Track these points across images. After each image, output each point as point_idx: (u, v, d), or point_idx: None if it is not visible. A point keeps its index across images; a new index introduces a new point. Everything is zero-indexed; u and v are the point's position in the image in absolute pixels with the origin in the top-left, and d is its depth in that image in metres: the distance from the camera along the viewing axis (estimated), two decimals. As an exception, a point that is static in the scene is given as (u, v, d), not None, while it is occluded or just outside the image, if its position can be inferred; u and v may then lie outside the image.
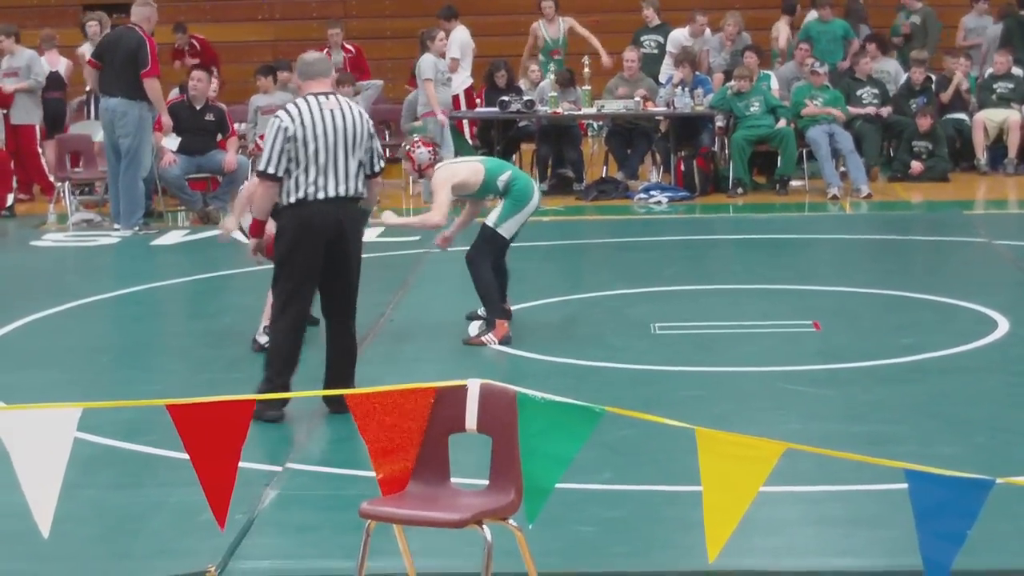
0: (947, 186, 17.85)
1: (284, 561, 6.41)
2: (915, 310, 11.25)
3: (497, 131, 18.35)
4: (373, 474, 5.33)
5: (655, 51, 19.38)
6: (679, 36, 19.29)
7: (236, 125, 17.10)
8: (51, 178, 17.56)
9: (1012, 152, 18.55)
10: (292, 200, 8.26)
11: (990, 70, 19.28)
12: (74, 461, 4.89)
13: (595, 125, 20.10)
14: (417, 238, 14.06)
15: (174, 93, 17.84)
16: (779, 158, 17.63)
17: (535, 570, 5.39)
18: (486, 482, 5.34)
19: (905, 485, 4.57)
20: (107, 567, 6.47)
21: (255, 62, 19.76)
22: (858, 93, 18.46)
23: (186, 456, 4.97)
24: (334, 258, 8.34)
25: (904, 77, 19.17)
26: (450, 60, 18.02)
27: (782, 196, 17.41)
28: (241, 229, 9.99)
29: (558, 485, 5.09)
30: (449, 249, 10.93)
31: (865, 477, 6.95)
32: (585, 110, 17.75)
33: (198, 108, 16.56)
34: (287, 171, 8.22)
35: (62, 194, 16.94)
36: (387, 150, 18.77)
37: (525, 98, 17.68)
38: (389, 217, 10.66)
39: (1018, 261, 13.17)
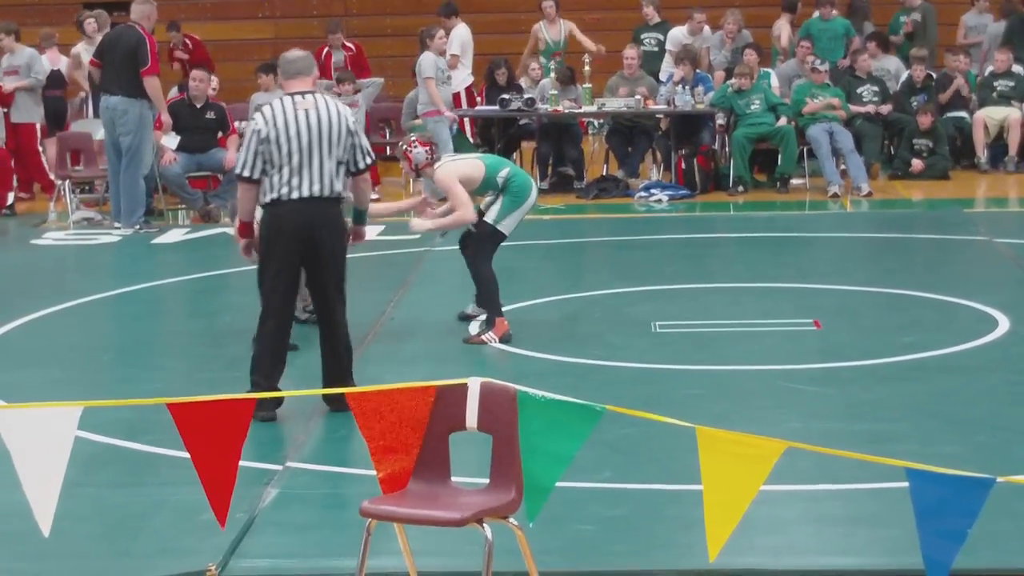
0: (947, 184, 17.85)
1: (285, 560, 6.41)
2: (916, 308, 11.24)
3: (498, 129, 18.35)
4: (374, 473, 5.33)
5: (655, 49, 19.35)
6: (679, 34, 19.26)
7: (236, 123, 17.08)
8: (52, 176, 17.53)
9: (1013, 150, 18.55)
10: (267, 200, 8.31)
11: (991, 68, 19.28)
12: (75, 460, 4.89)
13: (596, 123, 20.08)
14: (416, 237, 14.03)
15: (174, 92, 17.82)
16: (780, 156, 17.62)
17: (536, 569, 5.39)
18: (486, 481, 5.34)
19: (906, 484, 4.56)
20: (108, 566, 6.46)
21: (256, 60, 19.72)
22: (858, 91, 18.44)
23: (186, 455, 4.97)
24: (310, 257, 8.38)
25: (905, 75, 19.18)
26: (450, 56, 17.97)
27: (783, 194, 17.41)
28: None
29: (558, 484, 5.09)
30: (446, 248, 10.90)
31: (866, 476, 6.93)
32: (586, 108, 17.73)
33: (198, 106, 16.57)
34: (263, 172, 8.26)
35: (63, 192, 16.92)
36: (388, 148, 18.84)
37: (526, 96, 17.66)
38: (420, 224, 10.57)
39: (1019, 259, 13.16)
